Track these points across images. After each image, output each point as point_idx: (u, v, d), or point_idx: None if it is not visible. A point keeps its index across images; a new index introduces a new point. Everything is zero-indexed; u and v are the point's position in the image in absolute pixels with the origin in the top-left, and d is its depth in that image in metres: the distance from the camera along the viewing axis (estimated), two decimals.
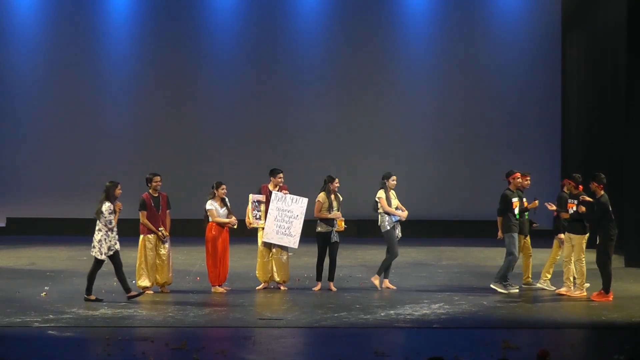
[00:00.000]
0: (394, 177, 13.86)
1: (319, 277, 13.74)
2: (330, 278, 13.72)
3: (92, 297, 12.58)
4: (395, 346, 9.95)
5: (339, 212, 13.55)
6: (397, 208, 13.72)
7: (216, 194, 13.28)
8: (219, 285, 13.45)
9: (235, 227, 13.63)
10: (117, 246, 12.70)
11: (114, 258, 12.63)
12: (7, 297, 12.76)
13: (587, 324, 11.41)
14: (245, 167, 21.41)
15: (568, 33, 20.97)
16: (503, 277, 13.37)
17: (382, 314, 11.76)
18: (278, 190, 13.72)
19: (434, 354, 9.42)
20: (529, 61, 21.45)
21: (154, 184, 13.78)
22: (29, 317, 11.35)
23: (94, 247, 12.57)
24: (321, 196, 13.55)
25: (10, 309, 11.84)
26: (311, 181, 21.48)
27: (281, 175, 13.84)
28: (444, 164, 20.93)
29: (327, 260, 13.62)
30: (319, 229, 13.59)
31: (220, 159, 21.54)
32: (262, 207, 13.57)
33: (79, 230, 21.04)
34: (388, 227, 13.66)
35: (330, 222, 13.55)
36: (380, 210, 13.74)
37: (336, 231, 13.59)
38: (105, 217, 12.56)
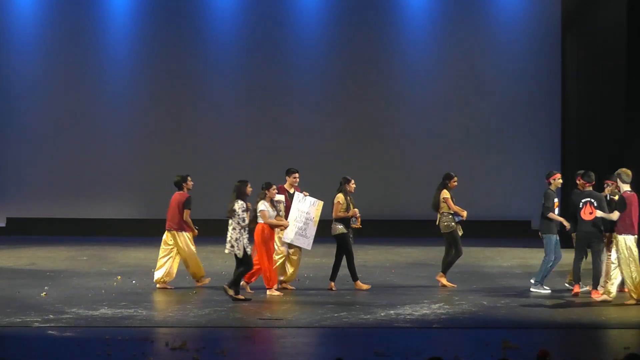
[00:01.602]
0: (455, 179, 14.01)
1: (355, 277, 13.76)
2: (333, 278, 13.72)
3: (241, 296, 12.59)
4: (395, 346, 9.95)
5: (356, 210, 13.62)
6: None
7: (267, 195, 13.17)
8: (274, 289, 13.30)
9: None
10: (250, 246, 12.71)
11: (244, 257, 12.62)
12: (7, 297, 12.76)
13: (587, 324, 11.41)
14: (245, 167, 21.40)
15: (568, 33, 20.95)
16: (537, 282, 13.39)
17: (382, 314, 11.76)
18: (292, 191, 13.74)
19: (434, 354, 9.42)
20: (529, 61, 21.44)
21: (189, 183, 14.16)
22: (29, 317, 11.35)
23: (232, 246, 12.59)
24: (340, 197, 13.60)
25: (10, 309, 11.84)
26: (312, 181, 21.52)
27: (296, 175, 13.87)
28: (443, 164, 20.88)
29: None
30: (338, 230, 13.61)
31: (220, 158, 21.53)
32: (282, 206, 13.54)
33: (79, 230, 21.05)
34: (454, 227, 13.80)
35: (347, 222, 13.59)
36: (442, 210, 13.80)
37: (354, 229, 13.65)
38: (239, 215, 12.58)
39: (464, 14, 21.61)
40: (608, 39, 19.00)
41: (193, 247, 14.02)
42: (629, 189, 12.71)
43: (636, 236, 12.61)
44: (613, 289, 12.73)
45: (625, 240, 12.46)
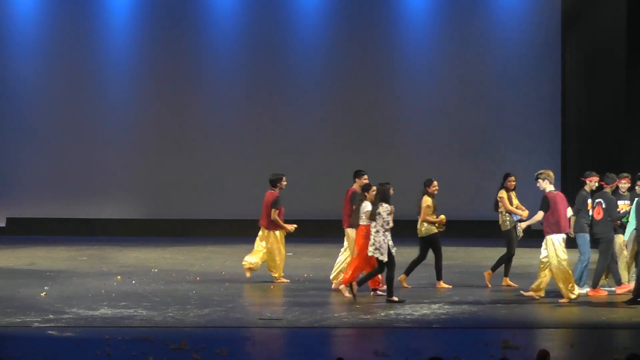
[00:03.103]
0: (513, 178, 14.10)
1: (439, 276, 13.88)
2: (440, 276, 13.89)
3: (395, 298, 12.56)
4: (395, 346, 9.95)
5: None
6: (516, 207, 13.96)
7: (367, 196, 13.21)
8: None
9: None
10: (394, 249, 12.69)
11: (389, 259, 12.61)
12: (7, 297, 12.75)
13: (587, 324, 11.41)
14: (245, 167, 21.39)
15: (568, 33, 20.94)
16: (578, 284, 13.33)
17: (382, 314, 11.76)
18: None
19: (434, 354, 9.41)
20: (529, 61, 21.42)
21: (283, 183, 14.37)
22: (29, 317, 11.35)
23: (376, 249, 12.55)
24: (428, 200, 13.69)
25: (10, 309, 11.84)
26: (313, 180, 21.50)
27: (366, 176, 13.81)
28: (443, 163, 20.90)
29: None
30: (431, 231, 13.72)
31: (221, 159, 21.51)
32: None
33: (79, 230, 21.03)
34: (509, 227, 13.81)
35: (433, 223, 13.71)
36: (501, 210, 13.88)
37: (440, 231, 13.80)
38: (384, 218, 12.54)
39: (463, 15, 21.60)
40: (608, 39, 18.99)
41: (281, 246, 14.25)
42: (553, 189, 12.88)
43: (564, 235, 12.73)
44: (542, 286, 12.81)
45: (553, 240, 12.57)
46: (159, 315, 11.58)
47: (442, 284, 13.87)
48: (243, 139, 21.47)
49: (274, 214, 14.13)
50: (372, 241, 12.59)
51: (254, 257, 14.33)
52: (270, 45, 21.61)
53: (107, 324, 11.02)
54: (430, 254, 13.89)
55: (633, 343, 10.23)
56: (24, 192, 21.40)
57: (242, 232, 21.14)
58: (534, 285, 12.87)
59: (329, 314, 11.73)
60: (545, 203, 12.71)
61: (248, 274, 14.34)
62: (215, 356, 9.39)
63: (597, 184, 13.65)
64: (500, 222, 14.02)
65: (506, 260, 14.05)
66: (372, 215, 12.58)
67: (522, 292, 13.13)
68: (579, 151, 20.45)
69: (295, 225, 14.34)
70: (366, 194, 13.07)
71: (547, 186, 12.89)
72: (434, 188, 13.85)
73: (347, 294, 12.89)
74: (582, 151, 20.25)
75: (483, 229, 19.86)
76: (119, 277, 14.69)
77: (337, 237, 17.34)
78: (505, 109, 21.47)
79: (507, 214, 13.90)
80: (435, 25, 21.69)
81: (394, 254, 12.69)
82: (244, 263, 14.39)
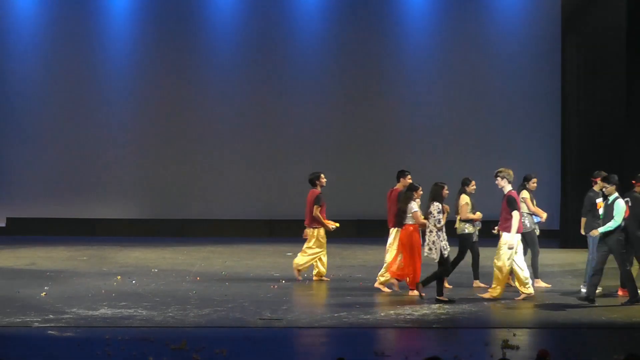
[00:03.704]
0: (535, 180, 14.15)
1: (476, 276, 13.90)
2: (477, 276, 13.87)
3: (445, 298, 12.54)
4: (395, 346, 9.96)
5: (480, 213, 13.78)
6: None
7: (415, 196, 13.20)
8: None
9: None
10: (448, 249, 12.69)
11: (441, 259, 12.61)
12: (7, 297, 12.76)
13: (587, 324, 11.42)
14: (245, 166, 21.40)
15: (568, 33, 20.93)
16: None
17: (382, 314, 11.77)
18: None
19: (434, 354, 9.42)
20: (529, 61, 21.41)
21: (323, 180, 14.40)
22: (29, 317, 11.36)
23: (430, 249, 12.54)
24: (467, 199, 13.69)
25: (10, 309, 11.84)
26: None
27: (410, 176, 13.88)
28: (443, 164, 20.89)
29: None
30: (466, 230, 13.70)
31: (221, 158, 21.51)
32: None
33: (79, 230, 21.03)
34: (530, 228, 13.81)
35: (472, 222, 13.72)
36: (522, 211, 13.82)
37: (477, 229, 13.83)
38: (435, 217, 12.55)
39: (464, 14, 21.58)
40: (608, 39, 18.99)
41: (321, 245, 14.30)
42: (511, 188, 12.99)
43: (519, 234, 12.86)
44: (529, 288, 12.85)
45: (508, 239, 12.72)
46: (159, 315, 11.58)
47: (479, 283, 13.85)
48: (243, 139, 21.46)
49: (316, 211, 14.24)
50: (426, 241, 12.62)
51: (302, 257, 14.47)
52: (270, 46, 21.59)
53: (107, 324, 11.02)
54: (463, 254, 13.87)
55: (633, 343, 10.24)
56: (24, 192, 21.39)
57: (242, 232, 21.19)
58: (519, 285, 12.88)
59: (329, 314, 11.73)
60: (514, 202, 12.80)
61: (298, 276, 14.47)
62: (215, 356, 9.40)
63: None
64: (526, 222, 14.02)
65: (534, 260, 14.03)
66: (425, 215, 12.54)
67: (515, 298, 13.02)
68: (578, 151, 20.44)
69: (337, 224, 14.41)
70: (414, 193, 13.11)
71: (506, 185, 13.03)
72: (473, 187, 13.85)
73: (385, 290, 13.37)
74: (582, 151, 20.24)
75: (483, 229, 19.85)
76: (119, 277, 14.70)
77: (337, 237, 17.40)
78: (504, 109, 21.45)
79: (527, 215, 13.87)
80: (435, 25, 21.68)
81: (446, 254, 12.66)
82: (294, 265, 14.52)
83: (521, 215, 13.05)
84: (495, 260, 12.83)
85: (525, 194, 13.98)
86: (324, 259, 14.44)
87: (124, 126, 21.52)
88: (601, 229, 12.55)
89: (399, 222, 13.22)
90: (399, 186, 13.78)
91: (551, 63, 21.21)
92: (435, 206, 12.63)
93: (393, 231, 13.58)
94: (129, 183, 21.53)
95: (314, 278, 14.44)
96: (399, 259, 13.34)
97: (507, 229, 12.75)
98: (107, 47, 21.58)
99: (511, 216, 12.70)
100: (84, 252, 18.11)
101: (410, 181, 13.69)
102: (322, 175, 14.51)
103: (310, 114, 21.53)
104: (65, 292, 13.23)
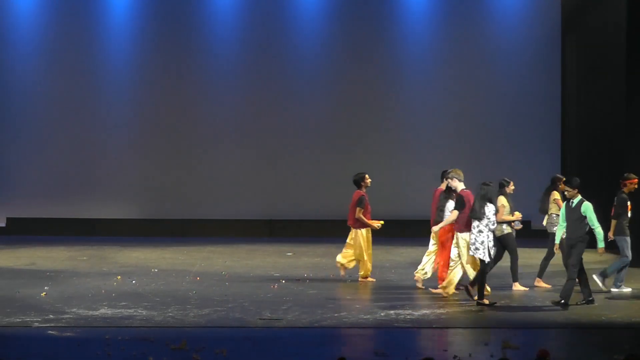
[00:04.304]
0: (564, 179, 13.94)
1: (515, 278, 13.84)
2: (516, 278, 13.84)
3: (486, 301, 12.46)
4: (395, 346, 9.96)
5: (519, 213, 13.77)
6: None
7: (453, 196, 13.20)
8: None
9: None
10: (493, 249, 12.68)
11: (488, 260, 12.59)
12: (7, 297, 12.75)
13: (587, 324, 11.42)
14: (245, 167, 21.40)
15: (568, 33, 20.95)
16: (605, 274, 13.51)
17: (382, 314, 11.77)
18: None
19: (434, 354, 9.43)
20: (529, 61, 21.42)
21: (367, 181, 14.48)
22: (29, 317, 11.36)
23: (477, 249, 12.48)
24: (504, 200, 13.68)
25: (10, 309, 11.84)
26: (314, 181, 21.50)
27: None
28: (443, 164, 20.77)
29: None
30: (505, 231, 13.71)
31: (221, 158, 21.51)
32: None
33: (79, 230, 21.03)
34: (505, 231, 13.82)
35: (509, 223, 13.74)
36: (551, 212, 13.92)
37: (516, 229, 13.84)
38: (489, 219, 12.49)
39: (463, 14, 21.59)
40: (608, 39, 18.99)
41: (368, 245, 14.37)
42: (464, 187, 13.01)
43: (469, 233, 12.86)
44: (451, 287, 12.94)
45: (465, 238, 12.72)
46: (159, 315, 11.58)
47: (518, 286, 13.77)
48: (243, 139, 21.46)
49: (359, 213, 14.28)
50: (472, 240, 12.57)
51: (344, 256, 14.54)
52: (270, 46, 21.59)
53: (107, 324, 11.02)
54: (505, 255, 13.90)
55: (633, 343, 10.24)
56: (24, 192, 21.39)
57: (242, 232, 21.19)
58: (444, 283, 13.03)
59: (329, 314, 11.73)
60: (460, 202, 12.85)
61: (342, 272, 14.55)
62: (215, 356, 9.40)
63: (635, 186, 13.72)
64: (545, 223, 14.04)
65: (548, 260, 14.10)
66: (477, 214, 12.52)
67: (430, 289, 13.35)
68: (579, 152, 20.45)
69: (381, 222, 14.42)
70: (453, 193, 13.18)
71: (458, 184, 13.09)
72: (511, 188, 13.84)
73: (419, 286, 13.51)
74: (582, 152, 20.25)
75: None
76: (119, 277, 14.70)
77: (337, 237, 17.41)
78: (504, 110, 21.45)
79: (556, 216, 13.85)
80: (435, 25, 21.68)
81: (492, 256, 12.65)
82: (337, 263, 14.60)
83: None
84: (464, 259, 12.87)
85: (556, 194, 13.99)
86: (366, 257, 14.42)
87: (124, 126, 21.52)
88: (601, 243, 12.47)
89: (439, 221, 13.30)
90: (443, 186, 13.85)
91: (551, 63, 21.23)
92: (490, 208, 12.57)
93: (436, 230, 13.72)
94: (129, 183, 21.53)
95: (360, 279, 14.47)
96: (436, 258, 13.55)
97: (459, 228, 12.85)
98: (107, 47, 21.58)
99: (466, 215, 12.75)
100: (84, 252, 18.11)
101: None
102: (367, 176, 14.56)
103: (310, 114, 21.53)
104: (65, 292, 13.23)
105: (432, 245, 13.68)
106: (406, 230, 20.27)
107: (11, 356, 9.30)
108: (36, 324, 10.97)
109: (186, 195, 21.36)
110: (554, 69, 21.17)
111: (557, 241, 12.81)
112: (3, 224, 21.30)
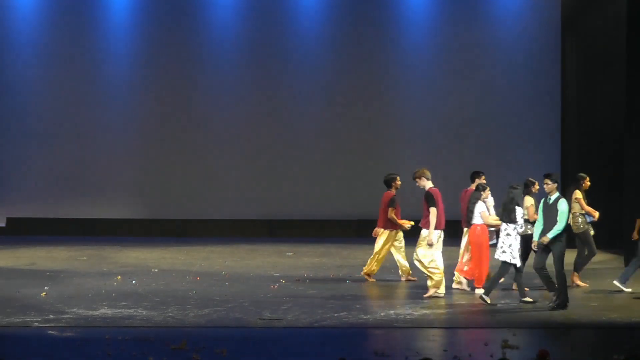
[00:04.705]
0: (588, 179, 14.14)
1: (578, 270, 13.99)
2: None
3: (529, 299, 12.52)
4: (395, 346, 9.96)
5: None
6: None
7: (482, 196, 13.26)
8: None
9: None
10: (518, 255, 12.69)
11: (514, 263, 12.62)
12: (7, 297, 12.75)
13: (587, 324, 11.42)
14: (246, 167, 21.41)
15: (568, 33, 20.95)
16: (625, 277, 13.51)
17: (382, 314, 11.77)
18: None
19: (434, 354, 9.43)
20: (529, 61, 21.43)
21: (398, 183, 14.53)
22: (29, 317, 11.36)
23: (504, 251, 12.49)
24: (531, 200, 13.69)
25: (10, 309, 11.84)
26: (314, 181, 21.50)
27: (484, 176, 13.97)
28: (443, 164, 20.89)
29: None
30: (582, 225, 13.84)
31: (221, 158, 21.52)
32: (489, 206, 13.63)
33: (79, 230, 21.04)
34: (583, 227, 13.87)
35: (584, 216, 13.83)
36: (574, 210, 13.89)
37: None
38: (519, 222, 12.53)
39: (463, 15, 21.59)
40: (608, 39, 18.98)
41: (388, 245, 14.40)
42: (432, 185, 13.16)
43: (440, 230, 13.05)
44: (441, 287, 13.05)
45: (437, 236, 12.93)
46: (159, 315, 11.58)
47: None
48: (243, 139, 21.47)
49: (390, 213, 14.29)
50: (500, 243, 12.58)
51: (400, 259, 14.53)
52: (270, 46, 21.60)
53: (107, 324, 11.02)
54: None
55: (633, 343, 10.23)
56: (24, 192, 21.40)
57: (242, 232, 21.20)
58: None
59: (329, 314, 11.73)
60: (432, 199, 12.99)
61: (406, 277, 14.53)
62: (215, 356, 9.40)
63: None
64: (571, 222, 13.93)
65: (587, 259, 14.09)
66: (507, 218, 12.52)
67: (424, 295, 13.18)
68: (579, 151, 20.45)
69: (412, 223, 14.42)
70: (483, 193, 13.23)
71: (426, 183, 13.24)
72: (537, 188, 13.79)
73: (464, 287, 13.46)
74: (582, 152, 20.24)
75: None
76: (119, 277, 14.70)
77: (337, 237, 17.47)
78: (504, 110, 21.46)
79: (580, 215, 13.88)
80: (435, 25, 21.69)
81: (515, 261, 12.64)
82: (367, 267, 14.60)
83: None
84: (415, 256, 13.09)
85: (578, 193, 13.96)
86: (402, 258, 14.48)
87: (124, 126, 21.53)
88: (551, 234, 12.18)
89: (469, 222, 13.35)
90: (473, 186, 13.88)
91: (551, 63, 21.23)
92: (520, 211, 12.58)
93: (466, 231, 13.79)
94: (129, 183, 21.54)
95: (402, 279, 14.51)
96: (465, 258, 13.52)
97: (426, 225, 12.99)
98: (107, 47, 21.59)
99: (429, 212, 12.88)
100: (84, 252, 18.11)
101: (485, 181, 13.75)
102: (398, 178, 14.60)
103: (310, 114, 21.54)
104: (65, 292, 13.23)
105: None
106: (408, 230, 20.26)
107: (11, 356, 9.30)
108: (36, 324, 10.97)
109: (186, 195, 21.36)
110: (554, 69, 21.17)
111: (536, 238, 12.47)
112: (3, 224, 21.31)
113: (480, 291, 13.01)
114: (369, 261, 14.59)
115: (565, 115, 21.05)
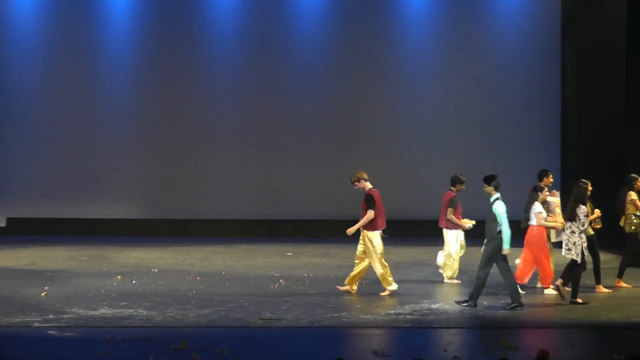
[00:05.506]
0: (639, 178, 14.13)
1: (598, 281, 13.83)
2: (599, 281, 13.74)
3: (579, 299, 12.52)
4: (395, 346, 9.96)
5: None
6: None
7: (540, 196, 13.25)
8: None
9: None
10: (586, 251, 12.66)
11: (580, 260, 12.59)
12: (7, 297, 12.76)
13: (587, 324, 11.42)
14: (246, 167, 21.40)
15: (568, 33, 20.96)
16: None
17: (382, 314, 11.77)
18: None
19: (434, 354, 9.44)
20: (529, 61, 21.42)
21: (461, 187, 14.54)
22: (29, 317, 11.36)
23: (569, 249, 12.50)
24: (634, 195, 13.73)
25: (10, 309, 11.84)
26: (312, 180, 21.50)
27: (552, 176, 13.94)
28: (443, 164, 20.89)
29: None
30: (634, 227, 13.85)
31: (221, 158, 21.52)
32: (553, 207, 13.55)
33: (79, 230, 21.04)
34: (633, 229, 13.84)
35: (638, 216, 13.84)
36: (628, 212, 13.86)
37: (596, 227, 13.74)
38: (580, 220, 12.50)
39: (464, 15, 21.59)
40: (608, 39, 19.00)
41: (456, 245, 14.41)
42: (372, 186, 13.29)
43: (381, 230, 13.20)
44: (356, 280, 13.39)
45: (370, 236, 13.09)
46: (159, 315, 11.58)
47: (601, 288, 13.67)
48: (243, 139, 21.47)
49: (449, 214, 14.34)
50: (565, 242, 12.58)
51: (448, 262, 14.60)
52: (270, 45, 21.59)
53: (107, 324, 11.02)
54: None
55: (633, 343, 10.24)
56: (24, 192, 21.39)
57: (242, 232, 21.19)
58: (347, 279, 13.38)
59: (329, 314, 11.73)
60: (371, 201, 13.11)
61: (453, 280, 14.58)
62: (215, 356, 9.40)
63: None
64: (622, 223, 13.97)
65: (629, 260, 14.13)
66: (569, 216, 12.52)
67: (338, 287, 13.54)
68: (578, 151, 20.46)
69: (473, 222, 14.43)
70: (539, 194, 13.21)
71: (365, 185, 13.34)
72: (590, 189, 13.76)
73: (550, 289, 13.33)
74: (582, 151, 20.25)
75: (482, 229, 19.86)
76: (119, 277, 14.70)
77: (337, 237, 17.43)
78: (504, 110, 21.46)
79: (634, 216, 13.85)
80: (436, 26, 21.68)
81: (585, 256, 12.64)
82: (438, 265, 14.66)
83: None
84: (373, 256, 13.16)
85: (633, 195, 13.91)
86: (454, 260, 14.47)
87: (124, 126, 21.52)
88: (507, 238, 12.16)
89: (525, 223, 13.35)
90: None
91: (551, 63, 21.23)
92: (582, 209, 12.56)
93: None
94: (129, 183, 21.53)
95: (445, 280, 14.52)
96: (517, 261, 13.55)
97: (370, 227, 13.14)
98: (107, 48, 21.58)
99: (366, 213, 13.06)
100: (84, 252, 18.11)
101: (552, 181, 13.72)
102: (464, 181, 14.60)
103: (310, 114, 21.53)
104: (65, 292, 13.24)
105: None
106: (408, 230, 20.29)
107: (11, 356, 9.30)
108: (36, 324, 10.97)
109: (186, 195, 21.35)
110: (554, 69, 21.17)
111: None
112: (3, 224, 21.31)
113: (549, 291, 13.15)
114: (448, 264, 14.45)
115: (565, 115, 21.06)
